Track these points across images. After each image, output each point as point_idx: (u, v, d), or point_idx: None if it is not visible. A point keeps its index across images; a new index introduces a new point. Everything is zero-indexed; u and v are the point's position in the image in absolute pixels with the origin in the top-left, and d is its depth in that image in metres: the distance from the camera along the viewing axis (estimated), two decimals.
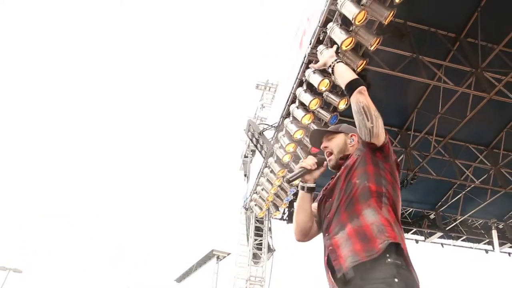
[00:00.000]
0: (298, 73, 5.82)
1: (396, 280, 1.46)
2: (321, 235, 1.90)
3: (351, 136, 1.99)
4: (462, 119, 6.65)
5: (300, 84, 5.94)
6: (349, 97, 1.79)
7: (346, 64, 5.06)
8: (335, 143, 1.99)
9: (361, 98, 1.74)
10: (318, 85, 5.41)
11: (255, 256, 10.21)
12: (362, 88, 1.76)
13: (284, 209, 9.63)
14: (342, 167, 1.86)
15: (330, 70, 1.98)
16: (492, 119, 7.48)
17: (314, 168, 1.96)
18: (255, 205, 8.87)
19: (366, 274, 1.50)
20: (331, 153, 1.99)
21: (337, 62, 1.96)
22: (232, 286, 10.48)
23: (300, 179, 2.01)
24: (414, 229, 10.19)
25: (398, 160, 7.71)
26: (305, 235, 1.98)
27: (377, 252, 1.51)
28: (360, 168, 1.76)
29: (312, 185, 1.98)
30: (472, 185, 8.31)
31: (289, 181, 2.05)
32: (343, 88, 1.85)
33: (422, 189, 8.95)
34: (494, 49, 6.07)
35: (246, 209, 10.08)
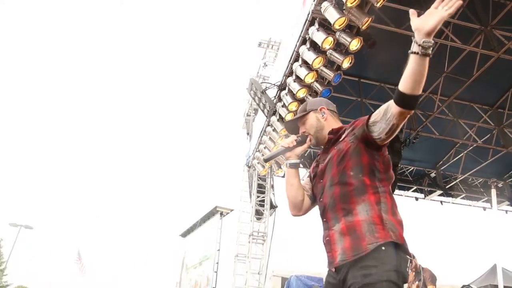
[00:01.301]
0: (302, 31, 5.71)
1: (383, 248, 1.58)
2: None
3: (320, 110, 2.02)
4: (468, 79, 6.56)
5: (304, 42, 5.84)
6: (394, 102, 1.57)
7: (352, 20, 4.93)
8: (309, 124, 2.02)
9: (399, 118, 1.59)
10: (322, 43, 5.33)
11: (257, 213, 10.45)
12: (408, 112, 1.58)
13: None
14: (334, 150, 1.85)
15: (412, 50, 1.51)
16: (499, 78, 7.37)
17: (292, 146, 2.01)
18: (258, 163, 8.97)
19: None
20: (310, 134, 2.02)
21: (423, 55, 1.47)
22: (235, 241, 10.91)
23: (282, 156, 2.07)
24: (415, 187, 10.37)
25: None
26: (298, 209, 2.04)
27: (364, 251, 1.59)
28: (355, 159, 1.76)
29: (294, 161, 2.04)
30: (475, 145, 8.35)
31: (266, 160, 2.11)
32: (399, 85, 1.56)
33: (424, 148, 8.98)
34: (506, 5, 5.87)
35: (249, 167, 10.20)
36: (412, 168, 10.21)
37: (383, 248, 1.59)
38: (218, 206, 18.17)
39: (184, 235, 23.97)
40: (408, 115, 1.62)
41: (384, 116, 1.64)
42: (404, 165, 10.01)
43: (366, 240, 1.61)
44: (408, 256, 1.68)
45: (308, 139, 2.01)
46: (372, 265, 1.56)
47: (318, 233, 1.94)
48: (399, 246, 1.64)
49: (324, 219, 1.84)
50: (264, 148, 8.31)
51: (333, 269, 1.75)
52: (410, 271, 6.51)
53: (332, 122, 2.02)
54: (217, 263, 16.70)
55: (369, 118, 1.72)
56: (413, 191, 10.53)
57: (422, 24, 1.47)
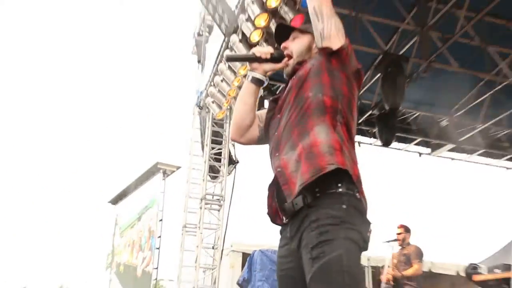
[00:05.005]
0: None
1: (344, 206, 1.80)
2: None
3: None
4: None
5: None
6: None
7: None
8: (297, 45, 2.20)
9: (314, 1, 1.97)
10: None
11: (212, 170, 10.44)
12: None
13: None
14: (294, 77, 2.09)
15: None
16: None
17: (265, 58, 2.15)
18: (213, 102, 8.73)
19: (314, 202, 1.82)
20: (290, 57, 2.18)
21: None
22: (183, 208, 10.79)
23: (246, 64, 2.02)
24: (419, 139, 10.38)
25: (410, 43, 7.38)
26: (240, 135, 2.27)
27: (321, 169, 1.78)
28: (314, 79, 1.98)
29: (259, 76, 2.20)
30: (506, 82, 8.13)
31: (228, 59, 2.12)
32: None
33: (436, 86, 8.78)
34: None
35: (201, 108, 9.89)
36: (418, 113, 10.06)
37: (340, 188, 1.81)
38: (160, 163, 17.90)
39: (115, 201, 23.75)
40: None
41: (310, 16, 1.99)
42: (407, 109, 9.82)
43: (324, 160, 1.81)
44: (369, 221, 1.93)
45: (285, 60, 2.16)
46: (329, 223, 1.76)
47: None
48: (358, 204, 1.86)
49: (277, 153, 2.01)
50: (221, 81, 7.96)
51: (286, 219, 2.00)
52: (398, 244, 6.95)
53: None
54: (159, 237, 16.77)
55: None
56: (417, 144, 10.56)
57: None
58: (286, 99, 2.06)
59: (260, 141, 2.24)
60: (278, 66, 2.17)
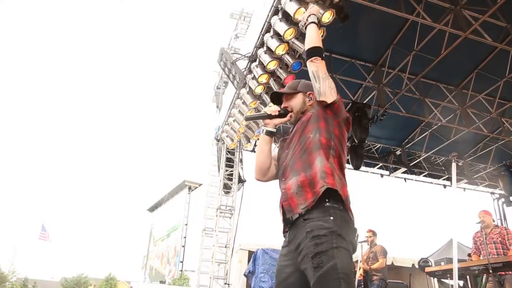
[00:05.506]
0: (274, 0, 5.59)
1: (331, 218, 1.77)
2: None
3: (309, 95, 2.15)
4: (436, 57, 6.69)
5: (276, 12, 5.74)
6: (306, 61, 2.09)
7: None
8: (294, 103, 2.17)
9: (312, 66, 2.04)
10: (294, 13, 5.24)
11: (225, 186, 10.33)
12: (315, 58, 2.05)
13: (255, 141, 9.74)
14: (298, 123, 2.09)
15: (305, 25, 2.26)
16: (465, 59, 7.54)
17: (274, 115, 2.16)
18: (227, 136, 8.90)
19: (307, 215, 1.80)
20: (291, 111, 2.18)
21: (311, 23, 2.21)
22: (203, 215, 10.67)
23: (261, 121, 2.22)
24: (380, 164, 10.62)
25: (370, 95, 7.78)
26: (262, 175, 2.19)
27: (318, 194, 1.80)
28: (314, 124, 1.99)
29: (271, 129, 2.17)
30: (439, 124, 8.57)
31: (247, 119, 2.32)
32: (305, 49, 2.14)
33: (391, 126, 9.17)
34: None
35: (218, 141, 10.13)
36: (379, 145, 10.41)
37: (327, 203, 1.80)
38: (187, 180, 18.19)
39: (152, 209, 23.90)
40: (316, 60, 2.04)
41: (310, 77, 2.04)
42: (371, 142, 10.18)
43: (319, 185, 1.82)
44: (355, 228, 1.89)
45: (289, 115, 2.16)
46: (322, 235, 1.73)
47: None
48: (344, 214, 1.82)
49: (283, 178, 2.01)
50: (233, 121, 8.23)
51: (286, 227, 1.95)
52: (368, 244, 6.93)
53: None
54: (185, 237, 16.84)
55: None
56: (379, 167, 10.78)
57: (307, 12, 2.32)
58: (293, 138, 2.05)
59: (277, 176, 2.17)
60: (284, 120, 2.17)
